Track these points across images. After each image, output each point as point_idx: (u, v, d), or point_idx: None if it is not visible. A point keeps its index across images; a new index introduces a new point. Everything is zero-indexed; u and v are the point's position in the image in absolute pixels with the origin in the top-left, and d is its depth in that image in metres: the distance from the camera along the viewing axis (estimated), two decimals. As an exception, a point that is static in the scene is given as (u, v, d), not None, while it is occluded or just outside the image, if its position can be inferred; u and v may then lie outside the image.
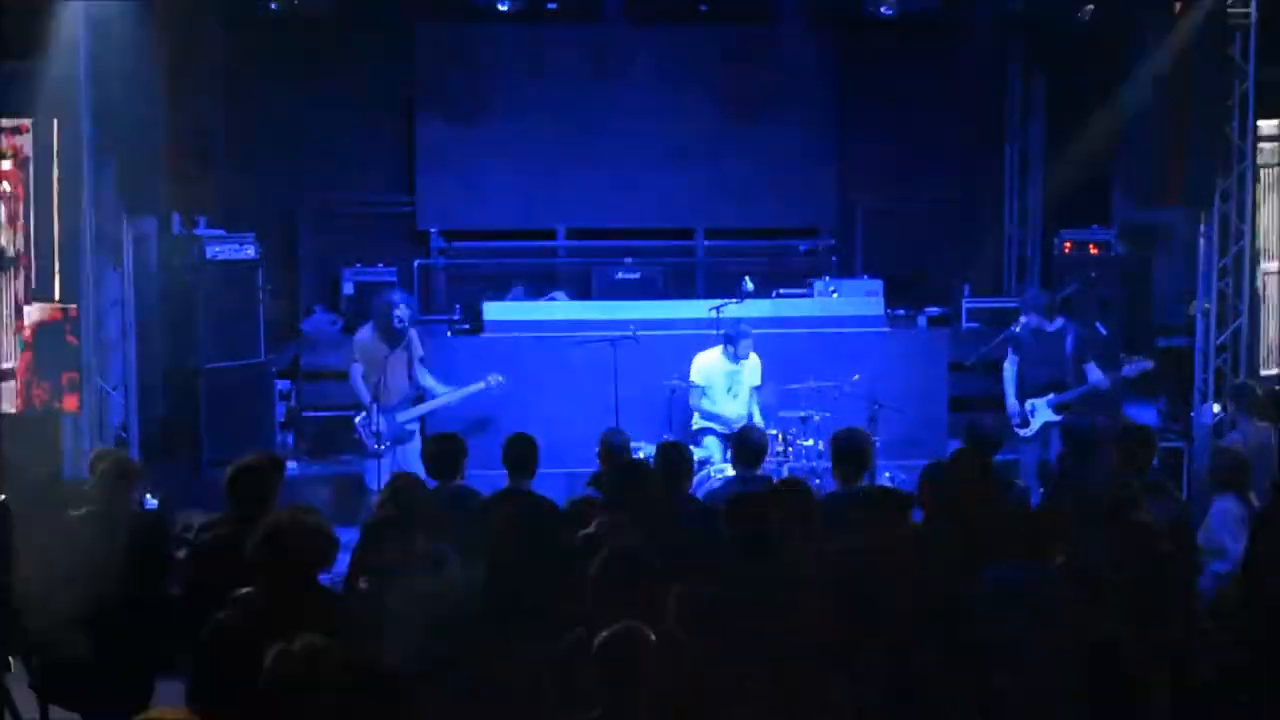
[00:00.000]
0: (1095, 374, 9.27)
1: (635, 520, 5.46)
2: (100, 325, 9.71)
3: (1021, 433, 9.41)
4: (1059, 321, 9.51)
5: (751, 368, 9.88)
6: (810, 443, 9.41)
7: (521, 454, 6.78)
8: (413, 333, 9.62)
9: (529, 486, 6.71)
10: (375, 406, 9.23)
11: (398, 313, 9.36)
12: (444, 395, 9.68)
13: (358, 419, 9.43)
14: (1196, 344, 10.69)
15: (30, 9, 9.30)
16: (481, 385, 9.68)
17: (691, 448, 8.09)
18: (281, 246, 12.36)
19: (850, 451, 6.66)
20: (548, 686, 4.16)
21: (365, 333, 9.55)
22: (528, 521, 5.34)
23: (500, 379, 9.78)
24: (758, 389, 9.94)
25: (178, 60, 9.70)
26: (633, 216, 13.05)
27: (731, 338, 9.73)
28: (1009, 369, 9.61)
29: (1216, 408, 10.04)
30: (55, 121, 9.44)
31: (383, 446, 9.23)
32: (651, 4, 12.49)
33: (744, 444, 7.08)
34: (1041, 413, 9.37)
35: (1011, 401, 9.52)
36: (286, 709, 3.79)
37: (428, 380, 9.60)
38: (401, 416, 9.35)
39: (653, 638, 3.98)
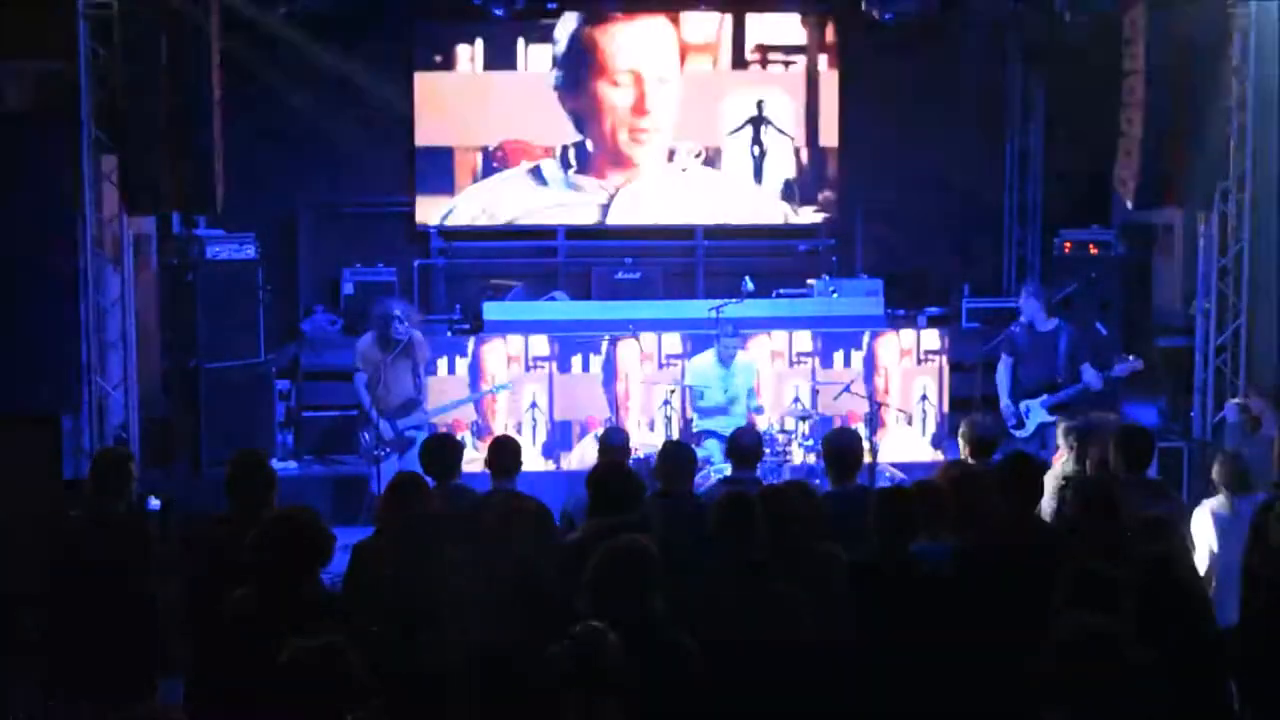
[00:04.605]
0: (1089, 374, 9.27)
1: (624, 523, 5.45)
2: (100, 325, 9.71)
3: (1017, 434, 9.40)
4: (1054, 321, 9.50)
5: (745, 368, 9.88)
6: (810, 443, 9.43)
7: (503, 456, 6.77)
8: (417, 335, 9.63)
9: (514, 487, 6.70)
10: (376, 415, 9.26)
11: (396, 325, 9.35)
12: (448, 402, 9.71)
13: (363, 433, 9.45)
14: (1196, 344, 10.69)
15: (31, 8, 9.33)
16: (484, 393, 9.68)
17: (692, 447, 8.09)
18: (281, 246, 12.36)
19: (840, 452, 6.66)
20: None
21: (366, 340, 9.56)
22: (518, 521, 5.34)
23: (506, 384, 9.77)
24: (753, 390, 9.95)
25: (178, 59, 9.69)
26: (633, 216, 13.05)
27: (717, 337, 9.75)
28: (1002, 369, 9.60)
29: (1233, 405, 10.00)
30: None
31: (385, 453, 9.24)
32: (652, 4, 12.49)
33: (737, 446, 7.08)
34: (1036, 413, 9.37)
35: (1005, 402, 9.51)
36: (302, 704, 3.80)
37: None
38: (404, 422, 9.36)
39: (614, 637, 3.98)
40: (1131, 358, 9.34)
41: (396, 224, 13.02)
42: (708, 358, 9.86)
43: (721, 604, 4.90)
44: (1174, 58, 10.03)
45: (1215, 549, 6.54)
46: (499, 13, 11.52)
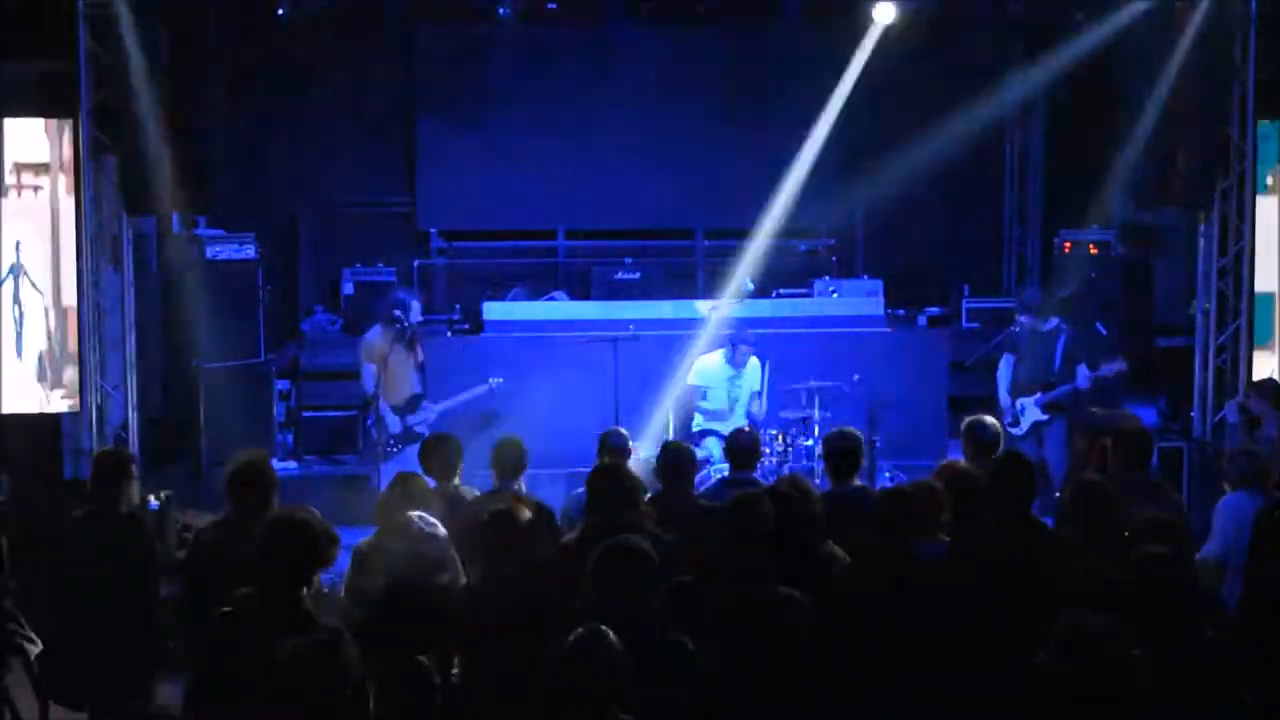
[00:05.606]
0: (1080, 374, 9.32)
1: (625, 524, 5.45)
2: (100, 325, 9.72)
3: (1013, 431, 9.44)
4: (1053, 321, 9.55)
5: (751, 371, 9.89)
6: (810, 443, 9.43)
7: (508, 457, 6.78)
8: (419, 339, 9.66)
9: (516, 488, 6.71)
10: (383, 404, 9.25)
11: (410, 312, 9.38)
12: (452, 399, 9.71)
13: (369, 420, 9.44)
14: (1196, 344, 10.69)
15: (31, 8, 9.33)
16: (484, 389, 9.67)
17: (692, 448, 8.08)
18: (281, 246, 12.36)
19: (841, 451, 6.67)
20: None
21: (374, 333, 9.56)
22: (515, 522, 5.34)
23: (500, 380, 9.76)
24: (757, 394, 9.95)
25: (178, 60, 9.71)
26: (633, 216, 13.04)
27: (734, 341, 9.74)
28: (1003, 367, 9.66)
29: (1232, 405, 10.02)
30: (55, 121, 9.49)
31: (397, 448, 9.23)
32: (651, 4, 12.49)
33: (735, 446, 7.10)
34: (1030, 412, 9.43)
35: (1004, 398, 9.57)
36: (299, 705, 3.80)
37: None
38: (412, 420, 9.36)
39: (614, 639, 3.97)
40: (1118, 359, 9.39)
41: (396, 224, 13.02)
42: (716, 358, 9.85)
43: (721, 604, 4.89)
44: (1173, 57, 10.04)
45: (1233, 545, 6.53)
46: (503, 12, 11.53)
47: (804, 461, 9.35)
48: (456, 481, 6.84)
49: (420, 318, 9.52)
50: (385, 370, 9.23)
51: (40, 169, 9.64)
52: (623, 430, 8.13)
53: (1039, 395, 9.40)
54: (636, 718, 3.95)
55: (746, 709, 4.66)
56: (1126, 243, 11.88)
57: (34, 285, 9.63)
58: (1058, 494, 7.76)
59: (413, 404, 9.38)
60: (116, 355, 9.86)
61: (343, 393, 10.56)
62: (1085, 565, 4.90)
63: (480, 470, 7.29)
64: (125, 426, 9.82)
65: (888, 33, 11.54)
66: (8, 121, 9.58)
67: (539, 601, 4.93)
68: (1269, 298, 10.35)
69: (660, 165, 12.84)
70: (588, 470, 6.25)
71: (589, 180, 12.92)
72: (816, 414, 9.65)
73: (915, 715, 4.83)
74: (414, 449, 9.01)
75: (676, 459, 6.69)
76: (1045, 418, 9.42)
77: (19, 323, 9.62)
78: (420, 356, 9.61)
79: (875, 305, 11.61)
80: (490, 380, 9.77)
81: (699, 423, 9.89)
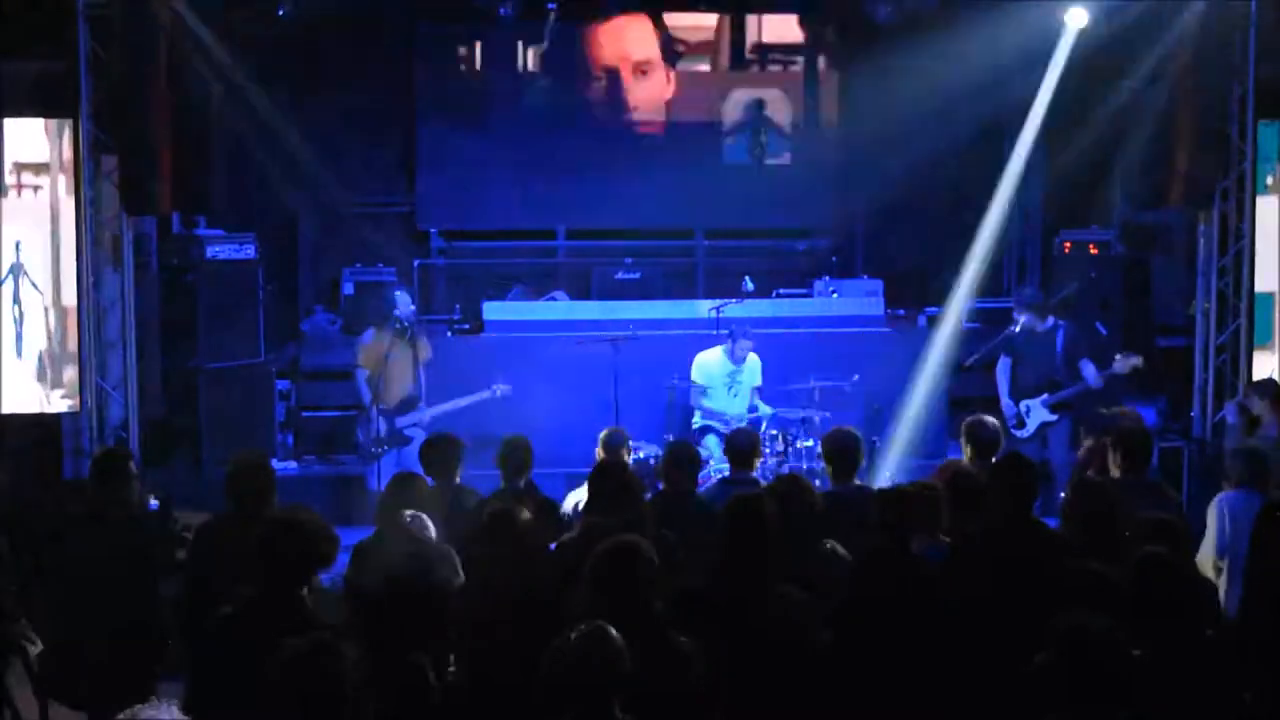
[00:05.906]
0: (1089, 371, 9.30)
1: (624, 523, 5.45)
2: (100, 325, 9.72)
3: (1018, 433, 9.42)
4: (1050, 321, 9.54)
5: (752, 368, 9.90)
6: (810, 443, 9.42)
7: (514, 456, 6.79)
8: (420, 334, 9.65)
9: (524, 487, 6.73)
10: (375, 409, 9.25)
11: (399, 309, 9.38)
12: (448, 403, 9.70)
13: (360, 430, 9.44)
14: (1196, 344, 10.69)
15: (31, 8, 9.33)
16: (486, 394, 9.67)
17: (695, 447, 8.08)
18: (281, 246, 12.35)
19: (840, 451, 6.68)
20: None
21: (368, 336, 9.57)
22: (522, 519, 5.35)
23: (506, 389, 9.76)
24: (758, 389, 9.96)
25: (178, 60, 9.70)
26: (633, 216, 13.04)
27: (733, 336, 9.76)
28: (1001, 369, 9.64)
29: (1232, 405, 10.01)
30: (55, 121, 9.49)
31: (382, 450, 9.23)
32: (653, 4, 12.49)
33: (734, 446, 7.11)
34: (1037, 413, 9.40)
35: (1006, 402, 9.54)
36: (297, 705, 3.80)
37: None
38: (403, 421, 9.36)
39: (616, 638, 3.96)
40: (1131, 353, 9.36)
41: (396, 224, 13.02)
42: (716, 354, 9.86)
43: (721, 604, 4.89)
44: (1174, 58, 10.03)
45: (1230, 543, 6.53)
46: (504, 12, 11.52)
47: (804, 461, 9.35)
48: (457, 481, 6.84)
49: (411, 307, 9.51)
50: (384, 371, 9.23)
51: (40, 169, 9.65)
52: (622, 430, 8.15)
53: (1046, 396, 9.37)
54: (636, 718, 3.94)
55: (747, 709, 4.66)
56: (1126, 243, 11.87)
57: (34, 285, 9.63)
58: (1062, 495, 7.75)
59: (405, 406, 9.38)
60: (116, 355, 9.86)
61: (343, 393, 10.55)
62: (1085, 565, 4.89)
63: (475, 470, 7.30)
64: (125, 426, 9.82)
65: (888, 31, 11.54)
66: (8, 121, 9.59)
67: (538, 600, 4.94)
68: (1269, 298, 10.35)
69: (660, 164, 12.85)
70: (588, 470, 6.25)
71: (589, 180, 12.92)
72: (816, 414, 9.65)
73: (915, 715, 4.83)
74: (405, 451, 9.04)
75: (680, 456, 6.69)
76: (1054, 418, 9.39)
77: (19, 323, 9.62)
78: (425, 354, 9.58)
79: (875, 305, 11.62)
80: (494, 387, 9.77)
81: (699, 421, 9.89)
